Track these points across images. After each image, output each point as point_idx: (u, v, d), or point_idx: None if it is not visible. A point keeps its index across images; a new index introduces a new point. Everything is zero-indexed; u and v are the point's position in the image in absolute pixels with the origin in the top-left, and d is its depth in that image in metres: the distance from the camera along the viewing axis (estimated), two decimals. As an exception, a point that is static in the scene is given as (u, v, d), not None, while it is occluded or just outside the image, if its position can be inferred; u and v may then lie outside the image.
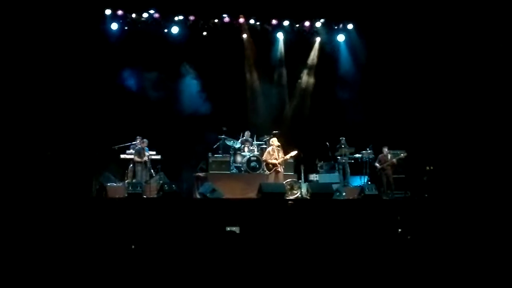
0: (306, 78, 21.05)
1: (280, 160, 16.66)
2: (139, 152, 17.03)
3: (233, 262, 8.23)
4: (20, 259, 8.36)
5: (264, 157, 17.01)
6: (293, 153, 16.99)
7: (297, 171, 17.76)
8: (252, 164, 17.68)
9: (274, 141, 16.91)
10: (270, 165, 16.70)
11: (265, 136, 18.75)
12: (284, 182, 16.58)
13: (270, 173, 16.77)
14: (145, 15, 19.18)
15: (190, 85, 19.50)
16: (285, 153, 16.85)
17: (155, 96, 18.77)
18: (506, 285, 7.86)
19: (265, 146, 18.08)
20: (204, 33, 19.89)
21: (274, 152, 16.73)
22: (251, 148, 18.24)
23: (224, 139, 18.50)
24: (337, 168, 18.64)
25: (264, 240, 10.36)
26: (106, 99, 18.20)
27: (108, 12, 18.73)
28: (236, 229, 11.18)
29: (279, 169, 16.68)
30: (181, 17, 19.44)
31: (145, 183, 16.64)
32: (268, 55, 20.80)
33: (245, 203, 15.01)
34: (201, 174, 18.09)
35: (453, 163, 18.09)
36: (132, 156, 17.14)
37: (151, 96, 18.75)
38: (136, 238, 9.99)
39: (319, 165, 19.09)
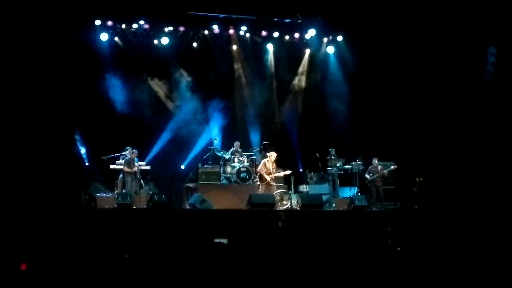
0: (295, 89, 21.05)
1: (272, 175, 16.63)
2: (128, 162, 16.97)
3: (223, 273, 8.21)
4: (10, 270, 8.30)
5: (259, 168, 16.85)
6: (286, 172, 16.99)
7: (287, 182, 17.71)
8: (242, 175, 17.65)
9: (273, 155, 16.79)
10: (263, 178, 16.64)
11: (254, 147, 18.79)
12: (274, 193, 16.53)
13: (261, 185, 16.71)
14: (135, 25, 19.16)
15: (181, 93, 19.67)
16: (277, 166, 16.87)
17: (145, 107, 18.83)
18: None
19: (255, 157, 18.11)
20: (194, 44, 19.90)
21: (270, 165, 16.67)
22: (241, 158, 18.18)
23: (214, 149, 18.48)
24: (327, 179, 18.65)
25: (253, 251, 10.34)
26: (95, 110, 18.15)
27: (98, 22, 18.67)
28: (224, 240, 11.16)
29: (271, 183, 16.64)
30: (171, 28, 19.44)
31: (135, 193, 16.57)
32: (258, 66, 20.82)
33: (235, 214, 14.99)
34: (191, 185, 18.03)
35: (443, 174, 18.14)
36: (121, 167, 17.08)
37: (141, 107, 18.80)
38: (126, 248, 9.95)
39: (309, 176, 19.06)
